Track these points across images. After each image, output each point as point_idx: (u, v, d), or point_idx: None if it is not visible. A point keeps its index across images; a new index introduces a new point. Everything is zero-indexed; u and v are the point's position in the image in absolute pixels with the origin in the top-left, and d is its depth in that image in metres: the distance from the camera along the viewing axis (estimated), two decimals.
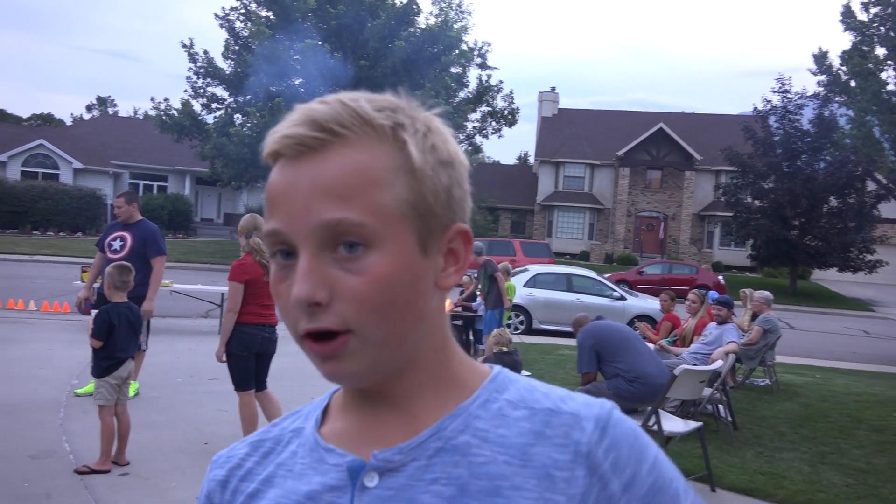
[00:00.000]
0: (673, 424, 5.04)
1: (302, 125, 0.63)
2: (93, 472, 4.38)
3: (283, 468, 0.72)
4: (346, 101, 0.64)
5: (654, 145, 37.25)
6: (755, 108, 28.16)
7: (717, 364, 5.42)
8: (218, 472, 0.77)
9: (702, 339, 6.96)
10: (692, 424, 5.16)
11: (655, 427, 4.82)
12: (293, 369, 7.07)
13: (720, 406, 6.46)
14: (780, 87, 27.47)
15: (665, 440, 4.83)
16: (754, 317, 8.96)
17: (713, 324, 7.13)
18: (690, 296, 7.86)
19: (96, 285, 6.52)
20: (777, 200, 25.78)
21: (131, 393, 5.73)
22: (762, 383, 8.67)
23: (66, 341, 8.47)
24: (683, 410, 5.52)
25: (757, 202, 26.90)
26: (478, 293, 10.31)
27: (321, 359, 0.64)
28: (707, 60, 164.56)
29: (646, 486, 0.66)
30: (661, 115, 40.69)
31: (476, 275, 10.07)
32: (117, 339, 4.56)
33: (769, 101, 27.78)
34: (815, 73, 27.42)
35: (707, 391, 5.86)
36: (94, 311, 5.10)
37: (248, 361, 4.84)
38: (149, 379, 6.58)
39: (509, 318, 11.81)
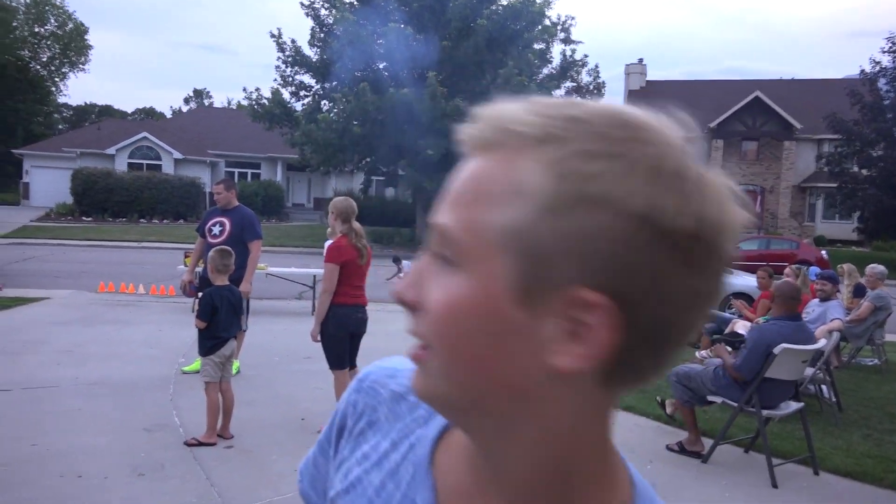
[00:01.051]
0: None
1: (484, 122, 0.54)
2: (201, 444, 4.66)
3: (396, 453, 0.67)
4: (507, 105, 0.53)
5: (750, 115, 35.49)
6: (862, 71, 26.36)
7: (821, 343, 5.16)
8: (358, 397, 0.73)
9: (804, 317, 6.63)
10: (793, 405, 4.95)
11: (754, 409, 4.66)
12: (383, 348, 7.22)
13: (823, 387, 6.16)
14: (891, 47, 25.59)
15: (764, 421, 4.67)
16: (856, 292, 8.46)
17: (816, 300, 6.79)
18: (787, 271, 7.50)
19: (198, 269, 6.88)
20: (887, 169, 24.15)
21: (234, 371, 6.03)
22: (871, 363, 8.20)
23: (173, 322, 8.99)
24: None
25: (864, 171, 25.29)
26: None
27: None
28: (807, 22, 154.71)
29: None
30: (757, 82, 38.64)
31: None
32: (220, 320, 4.82)
33: (878, 63, 25.97)
34: None
35: (809, 371, 5.60)
36: (199, 294, 5.39)
37: (343, 341, 5.00)
38: (248, 358, 6.90)
39: None
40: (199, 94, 70.68)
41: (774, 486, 4.42)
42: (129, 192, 29.74)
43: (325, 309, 4.93)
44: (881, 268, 8.22)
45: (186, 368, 6.55)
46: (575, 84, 27.95)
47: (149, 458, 4.44)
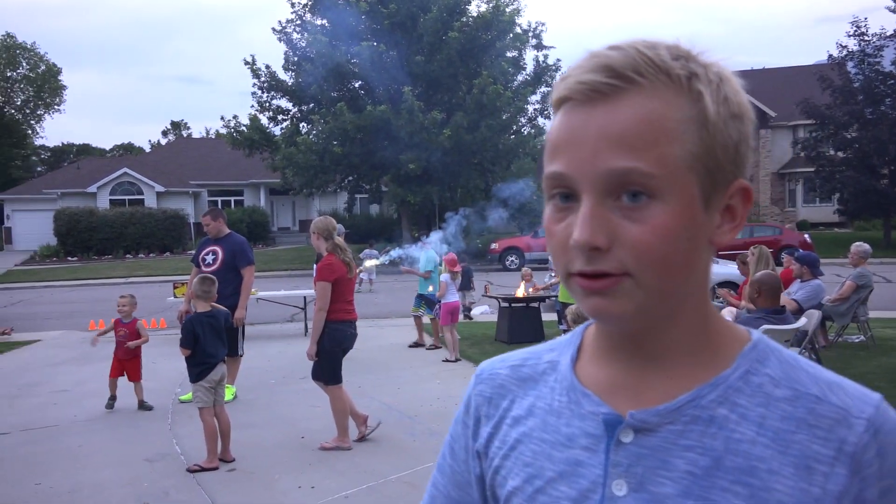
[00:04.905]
0: None
1: (596, 71, 0.62)
2: (203, 469, 4.70)
3: (542, 401, 0.75)
4: (642, 48, 0.63)
5: None
6: (830, 56, 26.74)
7: (801, 322, 5.28)
8: (483, 388, 0.81)
9: (788, 295, 6.76)
10: None
11: None
12: (382, 361, 7.31)
13: None
14: (856, 31, 25.98)
15: None
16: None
17: (797, 282, 6.92)
18: (749, 253, 7.56)
19: None
20: (862, 150, 24.46)
21: (228, 397, 6.07)
22: (857, 340, 8.34)
23: (167, 354, 8.98)
24: None
25: (840, 154, 25.59)
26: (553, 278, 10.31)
27: (588, 293, 0.64)
28: (774, 11, 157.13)
29: None
30: None
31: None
32: (205, 345, 4.88)
33: (845, 47, 26.31)
34: (894, 11, 25.80)
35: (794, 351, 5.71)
36: None
37: (338, 356, 5.08)
38: (245, 382, 6.94)
39: None
40: (176, 126, 70.53)
41: None
42: (112, 229, 29.62)
43: (321, 326, 4.99)
44: (865, 246, 8.19)
45: (183, 397, 6.58)
46: (550, 89, 28.12)
47: (153, 487, 4.48)
